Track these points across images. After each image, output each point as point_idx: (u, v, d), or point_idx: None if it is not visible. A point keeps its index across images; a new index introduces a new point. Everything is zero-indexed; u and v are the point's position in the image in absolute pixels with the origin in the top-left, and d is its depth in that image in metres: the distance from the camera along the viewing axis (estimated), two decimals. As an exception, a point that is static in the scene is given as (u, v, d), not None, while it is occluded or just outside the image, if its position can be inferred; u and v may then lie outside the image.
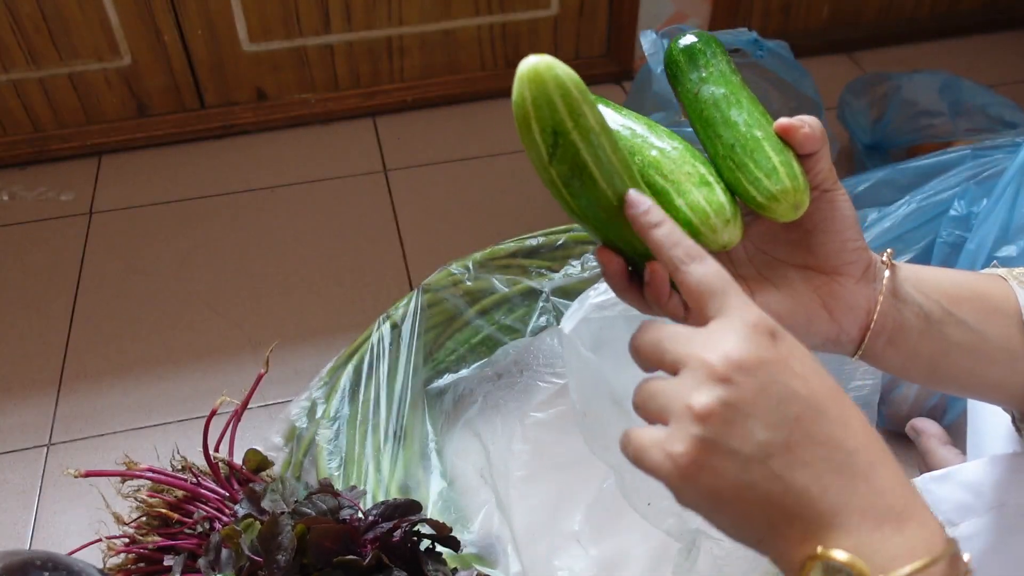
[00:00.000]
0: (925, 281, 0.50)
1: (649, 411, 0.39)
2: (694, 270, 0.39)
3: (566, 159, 0.40)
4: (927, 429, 0.89)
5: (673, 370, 0.38)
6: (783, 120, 0.47)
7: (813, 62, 1.66)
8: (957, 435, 0.90)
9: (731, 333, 0.37)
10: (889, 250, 0.50)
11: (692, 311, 0.40)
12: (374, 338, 0.97)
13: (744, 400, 0.36)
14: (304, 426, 0.95)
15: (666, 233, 0.41)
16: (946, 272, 0.52)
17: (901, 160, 1.16)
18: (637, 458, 0.38)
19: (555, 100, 0.39)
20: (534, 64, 0.39)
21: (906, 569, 0.34)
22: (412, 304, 0.98)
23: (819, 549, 0.35)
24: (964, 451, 0.84)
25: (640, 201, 0.42)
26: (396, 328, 0.97)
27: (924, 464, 0.89)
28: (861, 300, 0.48)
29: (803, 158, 0.47)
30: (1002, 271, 0.53)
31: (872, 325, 0.48)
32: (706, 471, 0.36)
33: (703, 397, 0.36)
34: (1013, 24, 1.78)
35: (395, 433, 0.91)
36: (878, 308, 0.48)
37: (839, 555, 0.34)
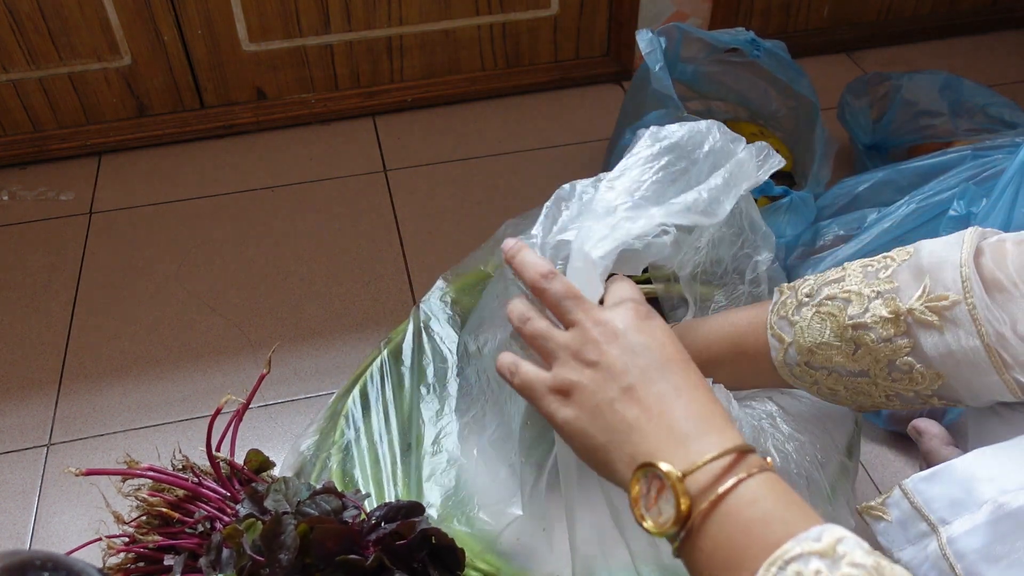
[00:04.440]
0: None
1: (538, 346, 0.59)
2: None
3: None
4: (929, 430, 0.89)
5: (567, 325, 0.58)
6: None
7: (813, 62, 1.66)
8: (958, 435, 0.90)
9: (617, 310, 0.57)
10: None
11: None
12: (375, 365, 0.95)
13: (609, 360, 0.54)
14: (312, 453, 0.93)
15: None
16: (712, 333, 0.69)
17: (901, 160, 1.16)
18: (522, 387, 0.59)
19: None
20: None
21: (701, 460, 0.48)
22: (411, 326, 0.96)
23: (640, 462, 0.50)
24: (965, 451, 0.84)
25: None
26: (398, 357, 0.95)
27: (926, 464, 0.89)
28: None
29: None
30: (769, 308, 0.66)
31: None
32: (573, 401, 0.55)
33: (587, 355, 0.55)
34: (1013, 24, 1.78)
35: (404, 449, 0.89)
36: None
37: (661, 466, 0.49)
